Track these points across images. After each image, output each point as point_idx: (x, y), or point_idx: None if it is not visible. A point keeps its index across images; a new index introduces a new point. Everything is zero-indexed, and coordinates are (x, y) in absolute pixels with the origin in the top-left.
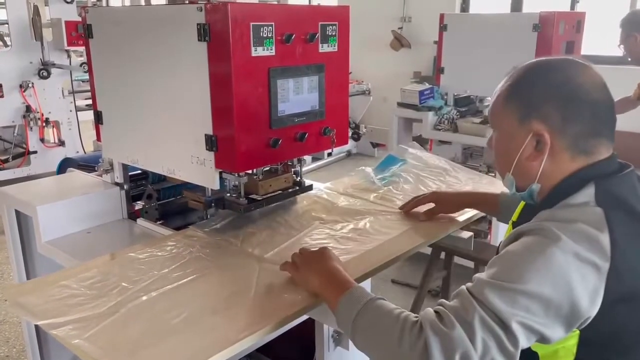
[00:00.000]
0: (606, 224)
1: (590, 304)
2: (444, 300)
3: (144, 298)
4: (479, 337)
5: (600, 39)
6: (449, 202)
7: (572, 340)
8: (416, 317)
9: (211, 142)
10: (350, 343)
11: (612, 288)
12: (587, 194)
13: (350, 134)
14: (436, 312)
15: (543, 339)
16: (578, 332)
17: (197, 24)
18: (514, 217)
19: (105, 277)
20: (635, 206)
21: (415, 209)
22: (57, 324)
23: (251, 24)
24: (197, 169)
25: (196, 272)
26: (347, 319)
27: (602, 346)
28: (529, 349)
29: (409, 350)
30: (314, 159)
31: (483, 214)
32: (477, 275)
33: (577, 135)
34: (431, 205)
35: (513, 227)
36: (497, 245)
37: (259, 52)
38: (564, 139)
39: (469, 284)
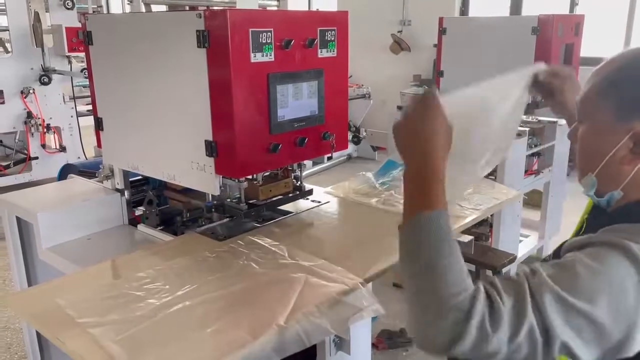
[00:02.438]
0: None
1: (638, 347)
2: (498, 283)
3: (181, 305)
4: (518, 341)
5: (599, 42)
6: (574, 94)
7: None
8: (473, 297)
9: (211, 148)
10: (352, 347)
11: None
12: None
13: (350, 137)
14: (489, 297)
15: (571, 356)
16: None
17: (197, 31)
18: (586, 212)
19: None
20: None
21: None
22: (91, 324)
23: (250, 30)
24: (198, 174)
25: (240, 281)
26: (416, 245)
27: None
28: None
29: (446, 331)
30: (315, 163)
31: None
32: (539, 267)
33: None
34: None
35: (587, 224)
36: (560, 246)
37: (258, 58)
38: None
39: (530, 275)
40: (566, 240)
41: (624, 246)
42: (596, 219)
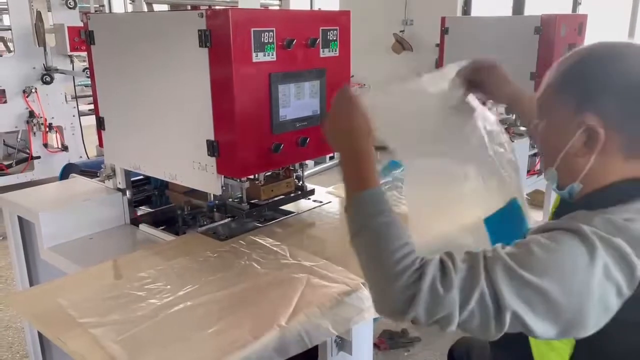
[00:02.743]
0: None
1: (595, 323)
2: (455, 254)
3: (182, 305)
4: (470, 308)
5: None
6: (499, 83)
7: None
8: (426, 261)
9: (213, 148)
10: (354, 348)
11: (626, 314)
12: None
13: None
14: (442, 263)
15: (528, 331)
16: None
17: (199, 30)
18: (554, 206)
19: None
20: None
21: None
22: (93, 324)
23: (252, 29)
24: (199, 174)
25: (242, 281)
26: (362, 219)
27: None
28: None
29: (399, 293)
30: (316, 163)
31: None
32: (498, 246)
33: (636, 136)
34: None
35: (556, 216)
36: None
37: (260, 57)
38: (621, 138)
39: (489, 252)
40: (530, 228)
41: (577, 229)
42: (563, 210)
